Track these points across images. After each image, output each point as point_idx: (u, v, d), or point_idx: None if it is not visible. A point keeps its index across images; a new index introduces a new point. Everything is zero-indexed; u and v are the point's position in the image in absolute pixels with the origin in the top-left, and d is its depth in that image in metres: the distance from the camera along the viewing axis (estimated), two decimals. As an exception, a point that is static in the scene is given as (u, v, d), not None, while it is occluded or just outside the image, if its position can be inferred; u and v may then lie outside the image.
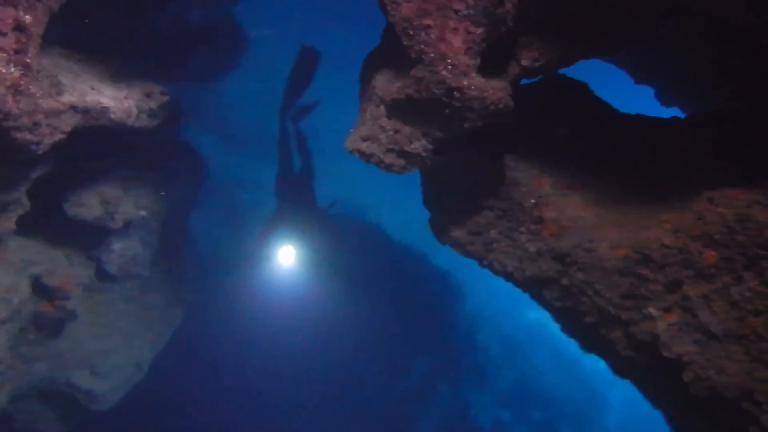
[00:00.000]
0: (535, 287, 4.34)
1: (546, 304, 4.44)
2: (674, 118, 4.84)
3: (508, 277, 4.44)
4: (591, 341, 4.39)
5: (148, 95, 5.26)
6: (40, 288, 5.96)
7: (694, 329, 3.65)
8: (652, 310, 3.77)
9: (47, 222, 5.83)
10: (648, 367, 4.06)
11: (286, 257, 9.23)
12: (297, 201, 9.72)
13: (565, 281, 4.10)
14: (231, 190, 16.05)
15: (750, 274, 3.45)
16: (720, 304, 3.56)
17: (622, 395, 18.27)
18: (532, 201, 4.22)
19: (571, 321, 4.35)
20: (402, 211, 16.51)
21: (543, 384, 16.25)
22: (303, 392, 8.96)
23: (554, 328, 14.41)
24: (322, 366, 9.90)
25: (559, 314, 4.45)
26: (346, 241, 10.17)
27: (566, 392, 16.48)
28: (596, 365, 18.42)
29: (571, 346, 14.47)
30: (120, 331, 7.01)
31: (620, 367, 4.48)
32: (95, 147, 5.69)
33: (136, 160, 6.46)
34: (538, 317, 19.95)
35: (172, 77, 6.04)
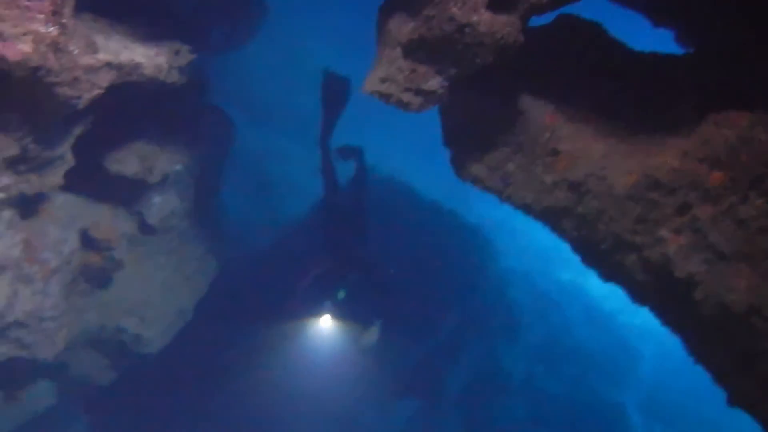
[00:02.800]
0: (553, 218, 4.53)
1: (564, 235, 4.62)
2: (688, 54, 4.96)
3: (527, 209, 4.62)
4: (608, 269, 4.57)
5: (176, 53, 5.51)
6: (87, 240, 6.32)
7: (704, 249, 3.81)
8: (663, 233, 3.93)
9: (90, 179, 6.15)
10: (662, 291, 4.23)
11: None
12: (349, 254, 8.76)
13: (580, 210, 4.29)
14: (258, 163, 16.29)
15: (755, 193, 3.58)
16: (727, 224, 3.70)
17: (655, 349, 18.42)
18: (547, 135, 4.39)
19: (589, 250, 4.54)
20: (430, 174, 16.72)
21: (576, 339, 16.38)
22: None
23: (588, 286, 14.62)
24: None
25: (577, 244, 4.64)
26: (379, 206, 10.01)
27: (599, 346, 16.61)
28: (630, 320, 18.58)
29: (604, 302, 14.68)
30: (162, 281, 7.38)
31: (638, 293, 4.66)
32: (130, 106, 5.99)
33: (168, 119, 6.76)
34: (573, 277, 20.11)
35: (195, 50, 6.26)
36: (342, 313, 8.33)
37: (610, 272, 4.66)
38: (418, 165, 16.98)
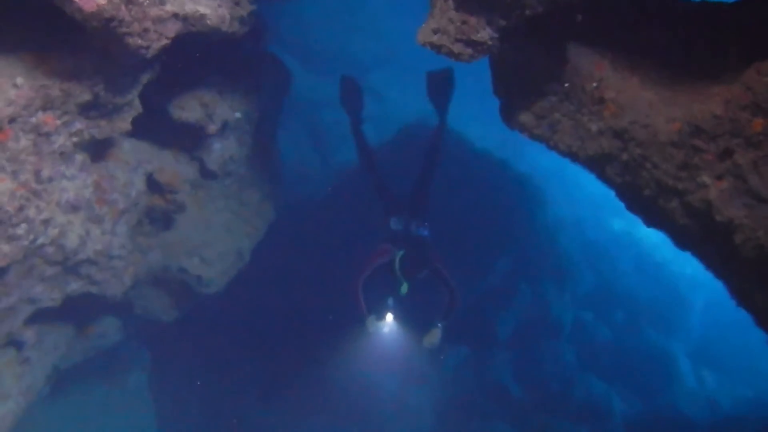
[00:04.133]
0: (598, 165, 4.68)
1: (609, 181, 4.77)
2: (734, 2, 4.98)
3: (573, 156, 4.78)
4: (652, 214, 4.72)
5: (236, 3, 5.72)
6: (152, 184, 6.68)
7: (744, 194, 3.93)
8: (705, 179, 4.05)
9: (154, 125, 6.48)
10: (704, 235, 4.38)
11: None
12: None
13: (624, 157, 4.42)
14: (313, 110, 16.50)
15: (794, 140, 3.67)
16: (767, 169, 3.81)
17: (706, 298, 18.35)
18: (593, 84, 4.51)
19: (633, 196, 4.68)
20: (482, 125, 16.76)
21: (626, 286, 16.41)
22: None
23: (640, 235, 14.58)
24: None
25: (621, 190, 4.79)
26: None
27: (650, 295, 16.61)
28: (681, 270, 18.45)
29: (656, 251, 14.64)
30: (222, 224, 7.73)
31: (680, 238, 4.81)
32: (193, 56, 6.27)
33: (228, 68, 7.01)
34: (624, 226, 20.03)
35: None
36: (404, 311, 8.07)
37: (653, 218, 4.81)
38: (471, 114, 16.98)
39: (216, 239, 7.68)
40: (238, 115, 7.00)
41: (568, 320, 14.03)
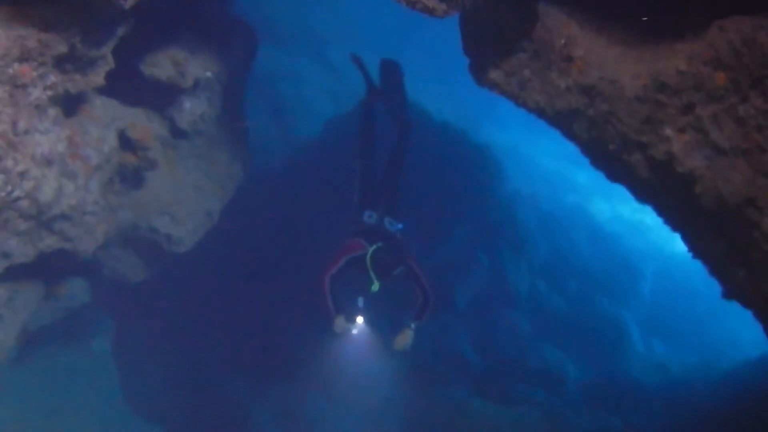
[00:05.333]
0: (566, 121, 4.84)
1: (575, 137, 4.95)
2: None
3: (541, 113, 4.93)
4: (615, 169, 4.92)
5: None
6: (124, 141, 6.66)
7: (705, 146, 4.13)
8: (668, 132, 4.24)
9: (125, 83, 6.45)
10: (665, 186, 4.58)
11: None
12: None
13: (591, 112, 4.60)
14: (272, 83, 16.45)
15: (754, 93, 3.86)
16: (728, 122, 4.00)
17: (655, 269, 18.94)
18: (562, 41, 4.66)
19: (598, 151, 4.87)
20: (440, 100, 16.94)
21: (579, 257, 16.82)
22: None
23: (593, 210, 14.89)
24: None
25: (587, 145, 4.96)
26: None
27: (602, 266, 17.05)
28: (632, 243, 18.93)
29: (607, 225, 14.98)
30: (192, 184, 7.73)
31: (641, 191, 5.03)
32: (165, 13, 6.24)
33: (198, 26, 7.01)
34: (577, 201, 20.48)
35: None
36: (375, 311, 7.62)
37: (616, 172, 5.00)
38: (429, 90, 17.13)
39: (186, 199, 7.67)
40: (208, 74, 7.02)
41: (524, 289, 14.35)
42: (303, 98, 17.12)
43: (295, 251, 10.84)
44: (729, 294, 5.14)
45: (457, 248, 13.05)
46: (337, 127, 13.08)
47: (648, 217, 21.99)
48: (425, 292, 7.66)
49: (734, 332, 17.23)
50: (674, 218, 5.12)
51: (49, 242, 6.05)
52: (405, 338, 7.55)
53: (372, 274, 7.19)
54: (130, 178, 7.08)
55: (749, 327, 14.85)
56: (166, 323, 9.75)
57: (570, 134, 4.97)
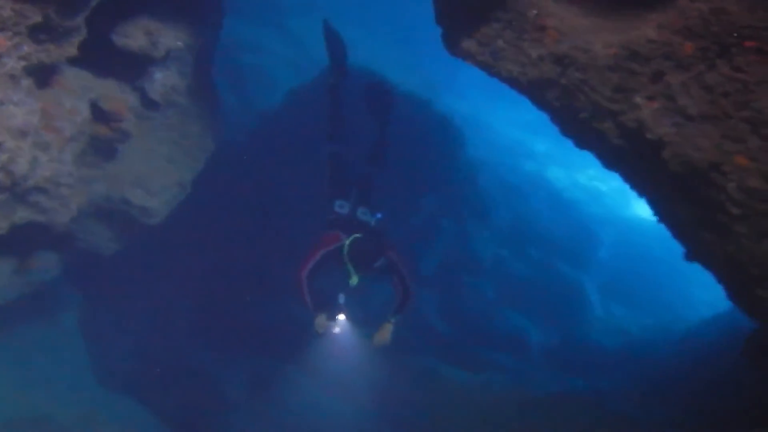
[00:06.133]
0: (538, 90, 4.94)
1: (547, 106, 5.05)
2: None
3: (514, 82, 5.01)
4: (585, 136, 5.05)
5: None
6: (97, 112, 6.58)
7: (674, 113, 4.27)
8: (638, 100, 4.37)
9: (97, 54, 6.36)
10: (634, 153, 4.73)
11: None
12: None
13: (563, 81, 4.70)
14: (231, 53, 16.28)
15: (722, 61, 4.00)
16: (696, 89, 4.14)
17: (613, 234, 19.36)
18: (535, 12, 4.75)
19: (569, 119, 4.98)
20: (404, 69, 16.93)
21: (540, 224, 17.09)
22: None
23: (552, 178, 15.13)
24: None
25: (558, 114, 5.08)
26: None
27: (562, 232, 17.32)
28: (590, 210, 19.31)
29: (566, 192, 15.25)
30: (164, 155, 7.68)
31: (611, 158, 5.18)
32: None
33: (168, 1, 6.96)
34: (537, 169, 20.75)
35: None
36: (355, 306, 7.50)
37: (586, 139, 5.14)
38: (392, 60, 17.14)
39: (158, 170, 7.62)
40: (180, 44, 6.95)
41: (487, 257, 14.57)
42: (264, 68, 16.99)
43: (265, 222, 10.86)
44: (693, 256, 5.34)
45: (422, 217, 13.18)
46: (299, 97, 13.03)
47: (603, 185, 22.47)
48: (405, 285, 7.52)
49: (689, 294, 17.76)
50: (641, 184, 5.28)
51: (23, 214, 6.05)
52: (385, 333, 7.42)
53: (350, 268, 7.03)
54: (103, 149, 7.01)
55: (703, 288, 15.32)
56: (138, 296, 9.71)
57: (541, 103, 5.07)
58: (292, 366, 10.35)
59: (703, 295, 16.35)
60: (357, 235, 7.18)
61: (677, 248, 5.71)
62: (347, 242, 7.10)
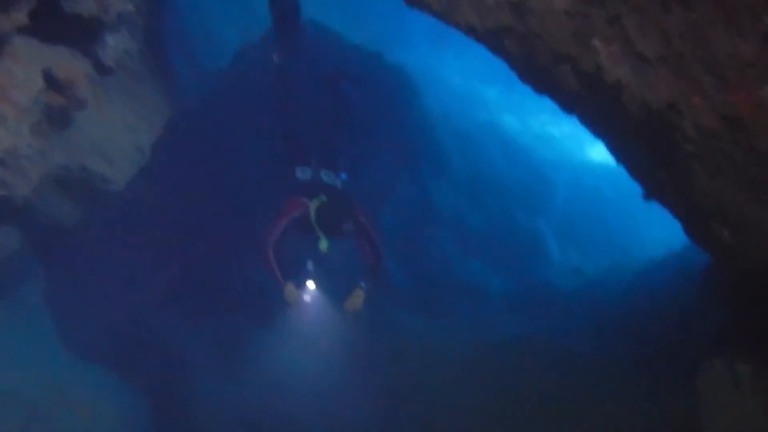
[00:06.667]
0: (496, 38, 4.97)
1: (505, 54, 5.09)
2: None
3: (471, 31, 5.02)
4: (544, 82, 5.12)
5: None
6: (50, 81, 6.40)
7: (630, 56, 4.36)
8: (595, 44, 4.45)
9: (45, 21, 6.16)
10: (593, 97, 4.82)
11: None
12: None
13: (521, 29, 4.74)
14: (176, 13, 15.87)
15: (676, 2, 4.09)
16: (652, 32, 4.23)
17: (567, 178, 19.60)
18: (490, -41, 4.76)
19: (527, 65, 5.04)
20: (350, 22, 16.73)
21: (496, 173, 17.22)
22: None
23: (504, 124, 15.19)
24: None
25: (516, 61, 5.13)
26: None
27: (517, 179, 17.47)
28: (542, 154, 19.51)
29: (519, 138, 15.37)
30: (121, 121, 7.50)
31: (569, 102, 5.27)
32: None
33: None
34: (490, 117, 20.77)
35: None
36: (326, 272, 7.20)
37: (544, 85, 5.21)
38: (338, 10, 16.90)
39: (116, 136, 7.47)
40: (130, 6, 6.76)
41: (445, 208, 14.66)
42: (207, 28, 16.62)
43: (225, 184, 10.77)
44: (650, 194, 5.52)
45: (381, 170, 13.19)
46: (247, 57, 12.85)
47: (557, 130, 22.66)
48: (376, 248, 7.38)
49: (640, 234, 18.16)
50: (600, 127, 5.40)
51: (-16, 189, 5.91)
52: (356, 299, 7.22)
53: (319, 232, 6.87)
54: (58, 119, 6.84)
55: (654, 227, 15.67)
56: (103, 266, 9.59)
57: (499, 51, 5.11)
58: (262, 329, 10.40)
59: (654, 233, 16.74)
60: (323, 197, 7.06)
61: (630, 190, 5.87)
62: (314, 206, 6.97)
